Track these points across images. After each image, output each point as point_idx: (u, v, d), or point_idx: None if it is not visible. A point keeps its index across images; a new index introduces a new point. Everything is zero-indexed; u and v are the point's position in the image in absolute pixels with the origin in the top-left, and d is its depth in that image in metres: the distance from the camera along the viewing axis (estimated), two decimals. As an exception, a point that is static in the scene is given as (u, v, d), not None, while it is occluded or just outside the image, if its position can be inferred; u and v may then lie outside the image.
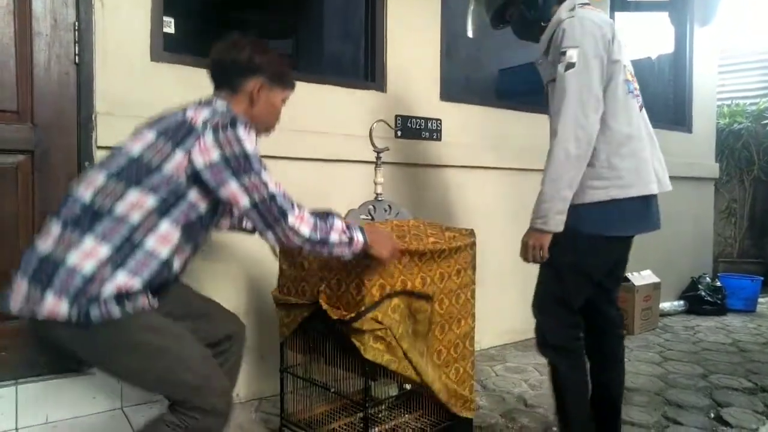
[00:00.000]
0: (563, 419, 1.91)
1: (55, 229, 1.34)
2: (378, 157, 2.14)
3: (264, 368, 2.54)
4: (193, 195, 1.39)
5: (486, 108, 3.39)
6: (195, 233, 1.45)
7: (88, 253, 1.30)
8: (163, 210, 1.36)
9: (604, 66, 1.69)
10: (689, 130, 4.80)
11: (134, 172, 1.35)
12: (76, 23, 2.08)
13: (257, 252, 2.52)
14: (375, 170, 2.14)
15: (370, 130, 2.17)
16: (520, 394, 2.66)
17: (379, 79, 2.94)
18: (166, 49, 2.26)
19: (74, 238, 1.31)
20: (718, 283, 4.64)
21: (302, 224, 1.42)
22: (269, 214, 1.39)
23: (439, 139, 3.12)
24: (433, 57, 3.14)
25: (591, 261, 1.78)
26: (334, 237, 1.48)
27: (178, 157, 1.35)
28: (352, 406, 2.13)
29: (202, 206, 1.42)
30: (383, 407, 2.18)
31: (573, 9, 1.76)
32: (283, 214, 1.40)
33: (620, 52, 1.75)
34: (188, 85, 2.11)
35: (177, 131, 1.38)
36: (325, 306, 1.80)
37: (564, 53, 1.68)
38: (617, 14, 4.24)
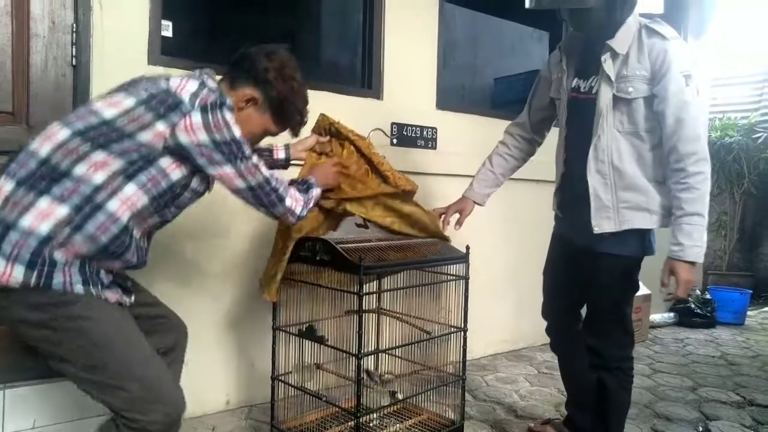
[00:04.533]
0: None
1: (6, 186, 1.24)
2: (374, 165, 2.13)
3: (255, 375, 2.52)
4: (165, 162, 1.34)
5: (481, 117, 3.40)
6: (163, 204, 1.39)
7: (44, 214, 1.22)
8: (129, 172, 1.29)
9: None
10: (681, 143, 4.83)
11: (104, 135, 1.28)
12: (74, 25, 2.07)
13: (248, 258, 2.51)
14: (371, 178, 2.14)
15: (368, 137, 2.17)
16: (510, 404, 2.67)
17: (376, 86, 2.94)
18: (164, 52, 2.26)
19: (29, 199, 1.22)
20: (708, 296, 4.69)
21: (297, 206, 1.59)
22: (266, 197, 1.49)
23: (434, 147, 3.13)
24: (430, 65, 3.15)
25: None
26: (312, 203, 1.71)
27: (159, 128, 1.29)
28: (343, 414, 2.13)
29: (175, 174, 1.37)
30: (375, 416, 2.18)
31: (656, 25, 1.72)
32: (281, 199, 1.53)
33: None
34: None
35: (160, 102, 1.30)
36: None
37: (689, 76, 1.65)
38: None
